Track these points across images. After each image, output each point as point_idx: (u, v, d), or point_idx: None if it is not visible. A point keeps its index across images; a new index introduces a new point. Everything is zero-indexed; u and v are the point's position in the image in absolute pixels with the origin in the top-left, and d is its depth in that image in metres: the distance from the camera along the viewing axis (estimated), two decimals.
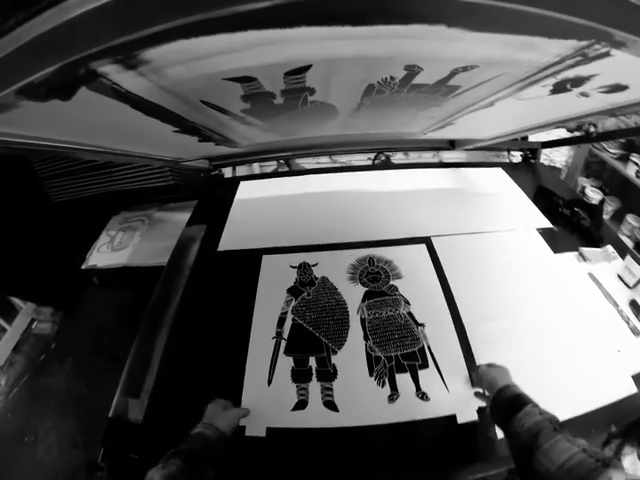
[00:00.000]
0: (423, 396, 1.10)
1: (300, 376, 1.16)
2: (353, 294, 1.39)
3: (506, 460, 0.91)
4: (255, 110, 0.98)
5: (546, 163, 3.11)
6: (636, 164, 2.62)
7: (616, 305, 1.33)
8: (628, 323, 1.27)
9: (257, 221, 1.82)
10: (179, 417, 1.07)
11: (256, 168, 3.15)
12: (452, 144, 2.06)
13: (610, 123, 2.58)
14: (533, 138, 2.22)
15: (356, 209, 1.84)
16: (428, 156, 3.20)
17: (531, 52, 0.62)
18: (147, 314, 1.42)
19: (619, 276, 1.44)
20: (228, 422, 0.93)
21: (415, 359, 1.18)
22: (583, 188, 3.06)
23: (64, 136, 0.92)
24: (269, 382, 1.15)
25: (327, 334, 1.26)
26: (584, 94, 0.87)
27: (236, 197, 2.00)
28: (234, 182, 2.13)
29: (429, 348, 1.21)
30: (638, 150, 2.67)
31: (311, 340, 1.25)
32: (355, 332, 1.26)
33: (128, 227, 2.64)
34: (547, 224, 1.69)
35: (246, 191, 2.05)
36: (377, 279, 1.43)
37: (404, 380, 1.14)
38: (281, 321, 1.31)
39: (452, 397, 1.10)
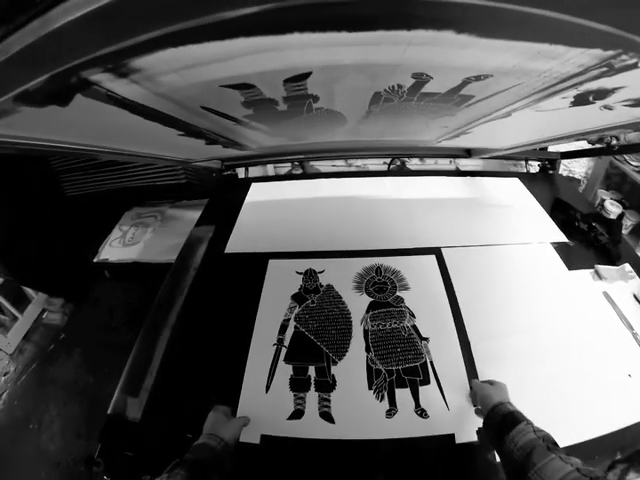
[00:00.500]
0: (422, 413, 1.07)
1: (298, 385, 1.14)
2: (358, 304, 1.36)
3: None
4: (259, 116, 0.96)
5: (565, 174, 3.03)
6: None
7: (630, 328, 1.27)
8: None
9: (266, 224, 1.81)
10: (176, 418, 1.10)
11: (270, 169, 3.14)
12: (468, 152, 2.02)
13: (633, 135, 2.49)
14: (552, 148, 2.16)
15: (367, 216, 1.81)
16: (445, 162, 3.15)
17: (551, 62, 0.58)
18: (151, 313, 1.42)
19: (635, 296, 1.38)
20: (232, 432, 0.93)
21: (417, 374, 1.15)
22: (602, 201, 2.97)
23: (68, 138, 0.92)
24: (267, 389, 1.14)
25: (329, 344, 1.24)
26: (607, 107, 0.83)
27: (246, 199, 1.99)
28: (245, 183, 2.12)
29: (432, 364, 1.18)
30: None
31: (312, 349, 1.23)
32: (357, 343, 1.24)
33: (140, 223, 2.66)
34: (563, 238, 1.64)
35: (257, 193, 2.04)
36: (383, 289, 1.40)
37: (404, 395, 1.11)
38: (283, 328, 1.30)
39: (452, 415, 1.07)
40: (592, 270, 1.48)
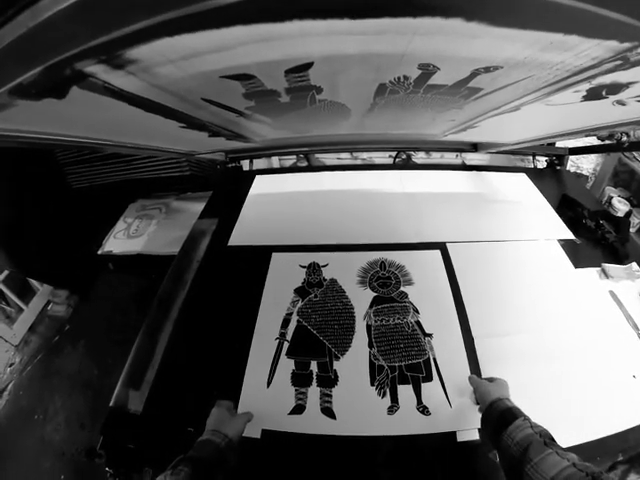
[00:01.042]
0: (424, 410, 1.06)
1: (300, 380, 1.13)
2: (361, 299, 1.35)
3: None
4: (261, 108, 0.95)
5: (572, 170, 2.99)
6: None
7: (636, 328, 1.26)
8: None
9: (269, 217, 1.80)
10: (177, 411, 1.10)
11: (275, 161, 3.13)
12: (475, 146, 2.00)
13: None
14: (560, 144, 2.13)
15: (371, 210, 1.79)
16: (451, 156, 3.12)
17: (564, 53, 0.56)
18: (154, 306, 1.42)
19: None
20: (235, 429, 0.92)
21: (419, 371, 1.14)
22: (610, 198, 2.93)
23: (68, 131, 0.91)
24: (268, 383, 1.13)
25: (331, 339, 1.23)
26: (620, 102, 0.81)
27: (250, 191, 1.97)
28: (250, 176, 2.11)
29: (435, 360, 1.17)
30: None
31: (314, 344, 1.22)
32: (360, 338, 1.23)
33: (145, 215, 2.67)
34: (570, 236, 1.62)
35: (261, 185, 2.03)
36: (387, 284, 1.39)
37: (406, 392, 1.10)
38: (285, 322, 1.29)
39: (454, 413, 1.06)
40: (599, 268, 1.46)
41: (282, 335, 1.25)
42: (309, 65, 0.65)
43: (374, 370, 1.15)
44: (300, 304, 1.34)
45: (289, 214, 1.81)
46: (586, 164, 3.16)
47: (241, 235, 1.68)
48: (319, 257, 1.52)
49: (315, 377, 1.14)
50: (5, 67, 0.47)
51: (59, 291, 2.89)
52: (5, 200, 2.32)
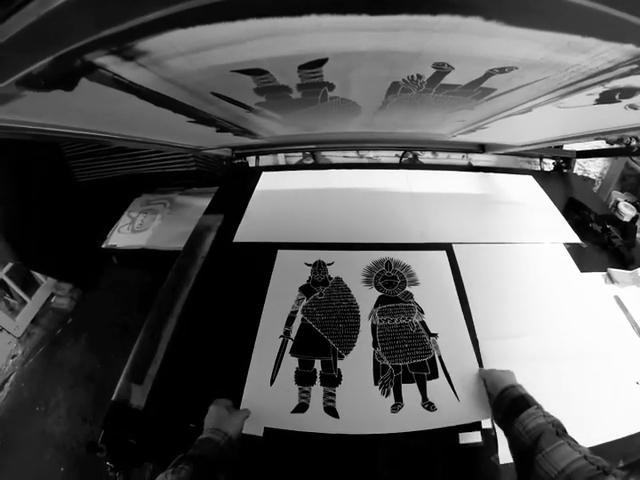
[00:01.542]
0: (430, 406, 1.06)
1: (304, 378, 1.13)
2: (366, 298, 1.35)
3: None
4: (271, 104, 0.94)
5: (579, 173, 2.98)
6: None
7: None
8: None
9: (275, 214, 1.79)
10: (180, 407, 1.10)
11: (281, 158, 3.13)
12: (482, 148, 1.99)
13: None
14: (568, 146, 2.11)
15: (377, 209, 1.79)
16: (457, 157, 3.11)
17: (580, 55, 0.55)
18: (158, 301, 1.42)
19: None
20: (235, 426, 0.92)
21: (424, 369, 1.14)
22: (616, 202, 2.92)
23: (75, 124, 0.90)
24: (272, 381, 1.13)
25: (336, 338, 1.23)
26: (633, 106, 0.80)
27: (257, 188, 1.97)
28: (256, 172, 2.10)
29: (440, 358, 1.16)
30: None
31: (319, 342, 1.22)
32: (364, 338, 1.23)
33: (149, 210, 2.67)
34: (576, 239, 1.61)
35: (267, 182, 2.02)
36: (393, 284, 1.39)
37: (410, 390, 1.10)
38: (290, 320, 1.28)
39: (462, 406, 1.05)
40: (604, 273, 1.45)
41: (286, 333, 1.25)
42: (323, 61, 0.64)
43: (378, 369, 1.15)
44: (305, 302, 1.34)
45: (295, 211, 1.80)
46: (593, 168, 3.14)
47: (247, 232, 1.68)
48: (325, 255, 1.52)
49: (319, 376, 1.14)
50: (14, 57, 0.47)
51: (63, 284, 2.90)
52: (10, 193, 2.33)
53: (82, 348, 2.56)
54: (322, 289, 1.38)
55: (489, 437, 1.01)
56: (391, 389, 1.10)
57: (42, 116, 0.79)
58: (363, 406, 1.08)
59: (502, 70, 0.66)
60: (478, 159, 2.91)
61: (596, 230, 1.63)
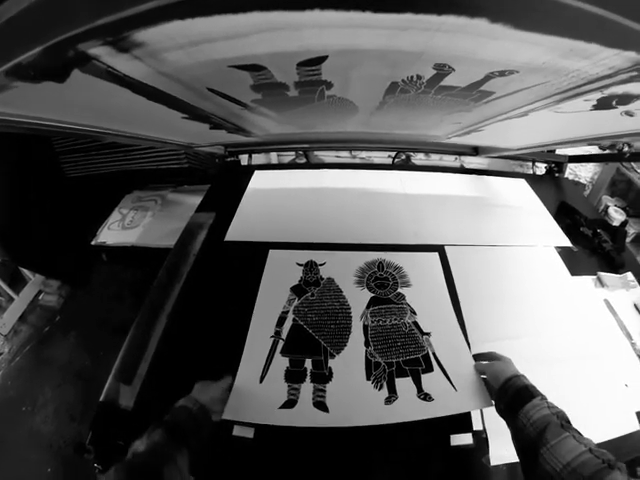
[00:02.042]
0: (426, 397, 1.04)
1: (294, 377, 1.12)
2: (358, 299, 1.34)
3: None
4: (267, 101, 0.93)
5: (570, 178, 3.01)
6: None
7: (630, 337, 1.27)
8: None
9: (267, 213, 1.78)
10: (169, 408, 1.07)
11: (274, 157, 3.12)
12: (476, 150, 1.99)
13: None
14: (560, 151, 2.13)
15: (370, 209, 1.78)
16: (450, 159, 3.12)
17: (582, 61, 0.55)
18: (148, 299, 1.40)
19: (636, 306, 1.37)
20: (210, 395, 0.97)
21: (418, 364, 1.13)
22: (606, 207, 2.96)
23: (67, 118, 0.88)
24: (261, 379, 1.11)
25: (327, 338, 1.21)
26: (629, 113, 0.80)
27: (249, 186, 1.95)
28: (248, 170, 2.08)
29: (434, 354, 1.16)
30: None
31: (310, 343, 1.21)
32: (356, 338, 1.22)
33: (140, 206, 2.64)
34: (567, 243, 1.63)
35: (260, 181, 2.01)
36: (385, 285, 1.38)
37: (405, 383, 1.08)
38: (281, 320, 1.27)
39: (460, 396, 1.04)
40: (594, 277, 1.47)
41: (277, 333, 1.23)
42: (323, 59, 0.63)
43: (370, 366, 1.13)
44: (296, 302, 1.33)
45: (287, 211, 1.79)
46: (584, 172, 3.18)
47: (238, 230, 1.66)
48: (316, 255, 1.51)
49: (309, 374, 1.12)
50: (5, 44, 0.45)
51: (51, 281, 2.85)
52: None
53: (70, 346, 2.51)
54: (314, 289, 1.37)
55: (480, 439, 1.01)
56: (384, 383, 1.09)
57: (33, 109, 0.77)
58: (355, 400, 1.06)
59: (502, 73, 0.66)
60: (470, 161, 2.93)
61: (587, 234, 1.65)
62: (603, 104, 0.76)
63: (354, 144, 1.98)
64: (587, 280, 1.46)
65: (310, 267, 1.46)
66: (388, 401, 1.04)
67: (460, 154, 2.27)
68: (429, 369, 1.12)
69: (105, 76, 0.62)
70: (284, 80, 0.75)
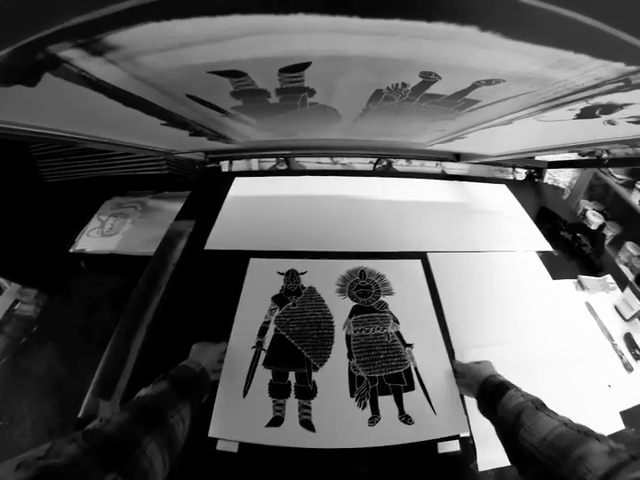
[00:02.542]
0: (407, 419, 1.05)
1: (278, 391, 1.10)
2: (340, 308, 1.32)
3: None
4: (248, 108, 0.90)
5: (550, 182, 3.06)
6: None
7: (610, 338, 1.29)
8: (621, 358, 1.23)
9: (248, 221, 1.75)
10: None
11: (254, 163, 3.09)
12: (457, 156, 2.01)
13: (618, 149, 2.53)
14: (540, 157, 2.16)
15: (351, 216, 1.77)
16: (431, 165, 3.15)
17: (569, 71, 0.55)
18: (127, 310, 1.36)
19: (616, 307, 1.40)
20: (209, 358, 1.05)
21: (400, 381, 1.13)
22: (585, 211, 3.02)
23: (39, 123, 0.84)
24: (244, 393, 1.09)
25: (310, 349, 1.20)
26: (611, 122, 0.81)
27: (229, 194, 1.92)
28: (229, 177, 2.05)
29: (416, 370, 1.16)
30: None
31: (292, 354, 1.19)
32: (339, 349, 1.20)
33: (120, 213, 2.59)
34: (548, 247, 1.65)
35: (240, 188, 1.98)
36: (367, 294, 1.37)
37: (387, 403, 1.08)
38: (263, 330, 1.25)
39: (439, 420, 1.05)
40: (575, 280, 1.49)
41: (259, 344, 1.21)
42: (306, 65, 0.61)
43: (354, 381, 1.12)
44: (278, 312, 1.31)
45: (268, 218, 1.76)
46: (563, 177, 3.24)
47: (218, 239, 1.63)
48: (298, 264, 1.49)
49: (293, 388, 1.10)
50: None
51: (27, 290, 2.75)
52: None
53: (48, 357, 2.43)
54: (295, 299, 1.35)
55: (467, 445, 1.01)
56: (367, 401, 1.08)
57: (5, 113, 0.73)
58: (340, 419, 1.05)
59: (489, 82, 0.65)
60: (452, 167, 2.95)
61: (567, 238, 1.67)
62: (587, 113, 0.77)
63: (336, 150, 1.97)
64: (568, 284, 1.48)
65: (291, 276, 1.44)
66: (371, 422, 1.04)
67: (442, 160, 2.29)
68: (411, 387, 1.12)
69: (78, 80, 0.59)
70: (265, 87, 0.73)
